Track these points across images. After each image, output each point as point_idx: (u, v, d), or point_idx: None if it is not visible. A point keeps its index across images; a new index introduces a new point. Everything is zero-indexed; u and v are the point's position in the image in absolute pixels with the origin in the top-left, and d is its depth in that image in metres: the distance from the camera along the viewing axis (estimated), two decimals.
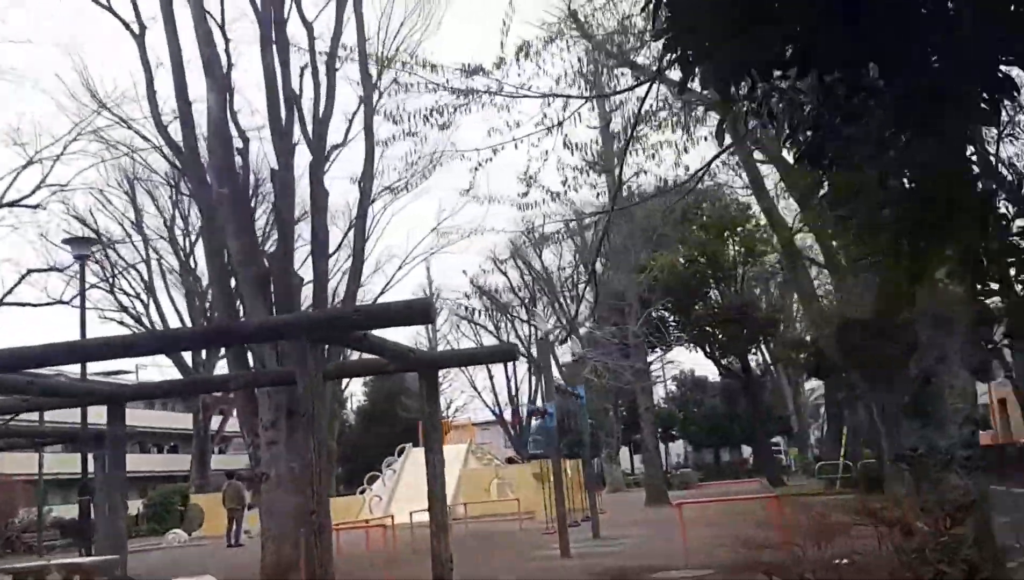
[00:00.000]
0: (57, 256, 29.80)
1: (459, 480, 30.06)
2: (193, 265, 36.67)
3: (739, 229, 34.24)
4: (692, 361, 59.26)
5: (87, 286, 29.04)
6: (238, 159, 15.75)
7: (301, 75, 16.53)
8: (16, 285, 24.81)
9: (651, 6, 2.81)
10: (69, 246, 18.03)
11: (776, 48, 2.48)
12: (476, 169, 9.94)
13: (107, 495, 10.32)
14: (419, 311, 7.10)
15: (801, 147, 3.15)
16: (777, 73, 2.75)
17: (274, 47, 14.87)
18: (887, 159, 2.67)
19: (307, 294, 17.29)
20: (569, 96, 8.95)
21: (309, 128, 16.37)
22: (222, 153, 14.99)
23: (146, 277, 35.99)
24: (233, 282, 15.00)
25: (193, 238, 36.81)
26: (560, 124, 8.37)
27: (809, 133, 3.05)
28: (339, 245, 17.08)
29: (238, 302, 15.74)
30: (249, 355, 15.14)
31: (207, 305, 36.65)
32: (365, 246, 15.87)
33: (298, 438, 14.56)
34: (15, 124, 43.44)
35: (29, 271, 25.41)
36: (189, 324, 35.84)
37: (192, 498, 32.54)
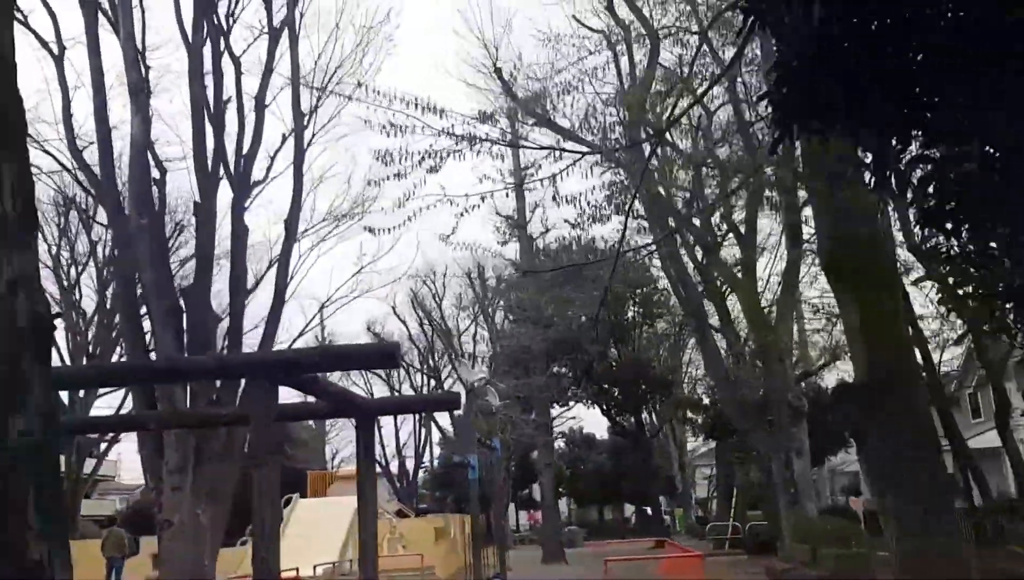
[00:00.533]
0: None
1: (348, 534, 29.13)
2: (76, 298, 34.83)
3: (639, 291, 35.17)
4: (586, 418, 60.10)
5: None
6: (155, 189, 15.24)
7: (225, 108, 16.17)
8: None
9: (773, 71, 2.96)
10: None
11: (913, 116, 2.66)
12: (462, 214, 10.05)
13: None
14: (386, 355, 7.01)
15: (926, 210, 3.35)
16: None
17: (210, 77, 14.58)
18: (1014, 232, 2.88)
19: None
20: (573, 151, 9.12)
21: (232, 162, 15.99)
22: (142, 181, 14.46)
23: None
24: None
25: (79, 270, 35.03)
26: (555, 175, 8.51)
27: (935, 198, 3.26)
28: (257, 283, 16.59)
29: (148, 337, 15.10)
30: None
31: (89, 340, 34.77)
32: (287, 286, 15.49)
33: (204, 483, 13.93)
34: None
35: None
36: (68, 360, 33.83)
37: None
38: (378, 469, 43.83)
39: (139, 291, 15.11)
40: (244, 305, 15.26)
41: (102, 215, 35.36)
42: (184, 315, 14.43)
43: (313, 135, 16.13)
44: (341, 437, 59.40)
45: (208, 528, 13.80)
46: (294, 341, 22.00)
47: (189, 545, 13.62)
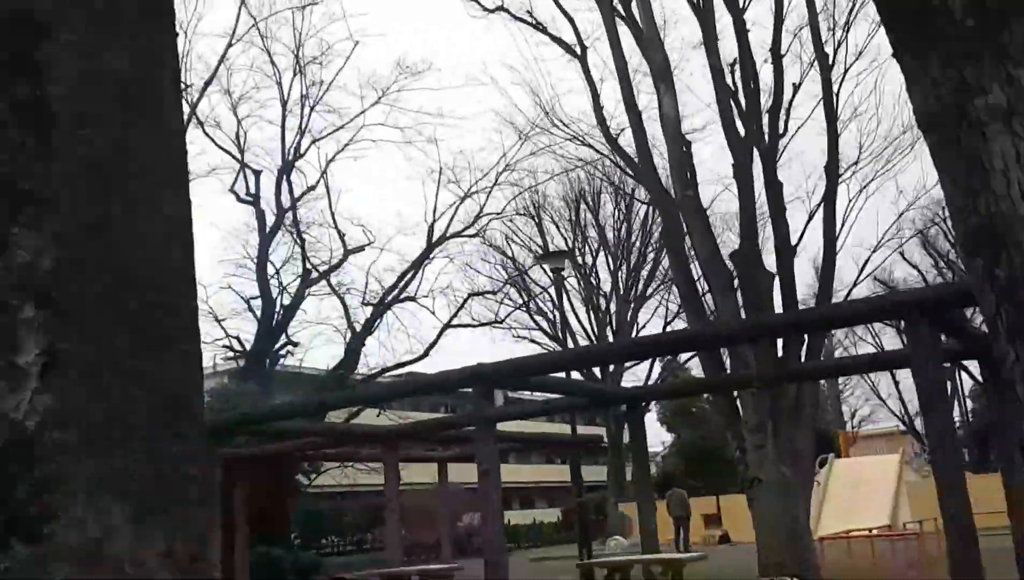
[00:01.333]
0: (477, 281, 32.47)
1: (896, 494, 27.34)
2: (594, 281, 38.16)
3: None
4: None
5: (511, 310, 31.49)
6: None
7: (732, 70, 16.09)
8: (460, 309, 27.34)
9: None
10: (544, 262, 19.45)
11: None
12: None
13: (640, 497, 10.48)
14: None
15: None
16: None
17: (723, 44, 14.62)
18: None
19: None
20: None
21: (752, 121, 15.87)
22: (679, 157, 15.03)
23: (554, 296, 38.05)
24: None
25: (593, 255, 38.37)
26: None
27: None
28: (800, 237, 15.89)
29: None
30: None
31: (610, 314, 37.71)
32: (836, 235, 14.90)
33: (785, 441, 14.00)
34: (449, 163, 49.12)
35: (470, 295, 27.98)
36: (594, 337, 37.04)
37: (620, 507, 33.81)
38: (902, 427, 40.26)
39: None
40: (792, 261, 15.00)
41: (606, 203, 38.43)
42: (735, 278, 14.69)
43: (845, 71, 15.24)
44: (856, 396, 56.77)
45: (797, 484, 13.85)
46: (848, 293, 21.04)
47: (778, 500, 13.78)
